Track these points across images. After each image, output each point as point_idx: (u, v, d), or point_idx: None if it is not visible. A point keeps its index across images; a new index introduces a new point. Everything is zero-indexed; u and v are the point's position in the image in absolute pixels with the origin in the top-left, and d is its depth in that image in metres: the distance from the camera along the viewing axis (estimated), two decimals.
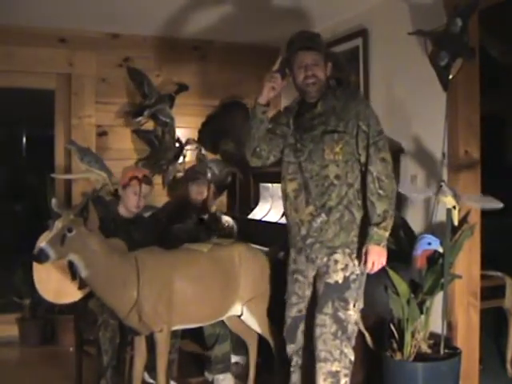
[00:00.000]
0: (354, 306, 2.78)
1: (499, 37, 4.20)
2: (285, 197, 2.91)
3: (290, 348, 2.97)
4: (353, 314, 2.77)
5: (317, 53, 2.78)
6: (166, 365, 3.01)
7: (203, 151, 4.71)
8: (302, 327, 2.92)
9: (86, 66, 4.62)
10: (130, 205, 3.49)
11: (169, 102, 4.62)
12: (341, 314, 2.74)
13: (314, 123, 2.81)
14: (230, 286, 3.15)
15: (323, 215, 2.76)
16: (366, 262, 2.71)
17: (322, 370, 2.76)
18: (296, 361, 2.97)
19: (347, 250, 2.77)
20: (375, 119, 2.79)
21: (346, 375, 2.77)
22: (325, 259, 2.79)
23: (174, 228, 3.86)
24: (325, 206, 2.75)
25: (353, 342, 2.80)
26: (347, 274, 2.76)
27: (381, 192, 2.69)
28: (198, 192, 4.12)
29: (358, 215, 2.79)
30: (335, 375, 2.75)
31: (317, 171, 2.76)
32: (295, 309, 2.92)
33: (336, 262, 2.76)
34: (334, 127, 2.76)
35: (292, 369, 2.99)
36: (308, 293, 2.89)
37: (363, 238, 2.75)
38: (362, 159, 2.76)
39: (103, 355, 3.23)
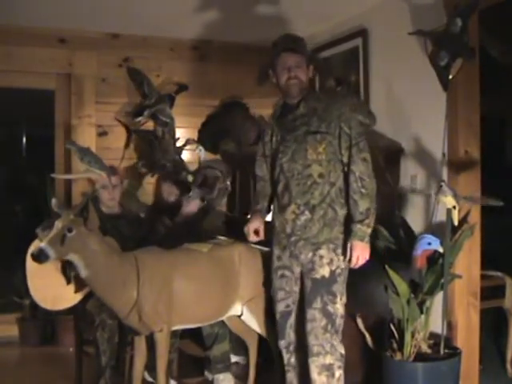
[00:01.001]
0: (341, 299, 2.85)
1: (499, 37, 4.19)
2: (276, 197, 2.99)
3: (281, 344, 3.02)
4: (340, 307, 2.84)
5: (299, 55, 2.86)
6: (165, 364, 3.01)
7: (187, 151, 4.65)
8: (290, 322, 2.98)
9: (86, 66, 4.61)
10: (104, 199, 3.63)
11: (169, 102, 4.61)
12: (329, 308, 2.81)
13: (296, 124, 2.89)
14: (229, 286, 3.15)
15: (307, 213, 2.83)
16: (350, 257, 2.77)
17: (315, 363, 2.82)
18: (288, 358, 3.02)
19: (331, 246, 2.83)
20: (357, 121, 2.91)
21: (339, 367, 2.84)
22: (310, 255, 2.84)
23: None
24: (308, 204, 2.83)
25: (340, 336, 2.86)
26: (333, 268, 2.82)
27: (363, 191, 2.78)
28: (169, 192, 4.11)
29: (341, 212, 2.86)
30: (329, 368, 2.81)
31: (299, 170, 2.84)
32: (283, 304, 2.97)
33: (321, 257, 2.82)
34: (316, 128, 2.84)
35: (286, 368, 3.03)
36: (296, 288, 2.94)
37: (346, 234, 2.83)
38: (345, 159, 2.84)
39: (101, 355, 3.24)
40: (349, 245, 2.77)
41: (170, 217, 3.83)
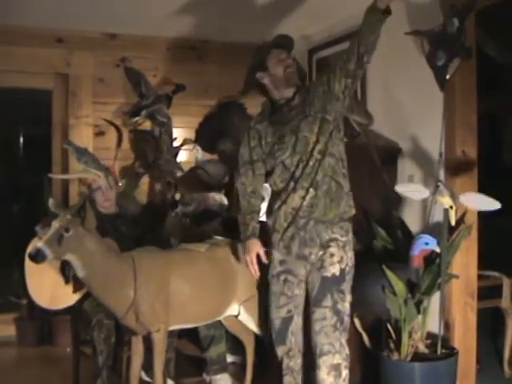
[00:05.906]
0: (348, 298, 2.82)
1: (497, 37, 4.20)
2: (276, 195, 2.90)
3: (280, 350, 2.94)
4: (348, 306, 2.82)
5: (288, 53, 2.92)
6: (163, 364, 3.02)
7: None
8: (291, 328, 2.91)
9: (84, 66, 4.62)
10: (99, 201, 3.64)
11: (166, 102, 4.61)
12: (339, 306, 2.78)
13: (292, 114, 2.86)
14: (227, 286, 3.15)
15: (311, 190, 2.77)
16: None
17: (326, 363, 2.77)
18: (287, 363, 2.95)
19: (340, 243, 2.79)
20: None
21: (345, 367, 2.80)
22: (320, 253, 2.79)
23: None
24: (313, 183, 2.77)
25: (347, 335, 2.83)
26: (343, 266, 2.80)
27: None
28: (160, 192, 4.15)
29: (345, 183, 2.83)
30: (337, 368, 2.78)
31: (301, 158, 2.79)
32: (284, 310, 2.90)
33: (332, 255, 2.78)
34: (307, 112, 2.82)
35: (284, 372, 2.97)
36: (297, 291, 2.88)
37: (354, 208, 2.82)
38: (349, 75, 2.72)
39: (98, 355, 3.24)
40: None
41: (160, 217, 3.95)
